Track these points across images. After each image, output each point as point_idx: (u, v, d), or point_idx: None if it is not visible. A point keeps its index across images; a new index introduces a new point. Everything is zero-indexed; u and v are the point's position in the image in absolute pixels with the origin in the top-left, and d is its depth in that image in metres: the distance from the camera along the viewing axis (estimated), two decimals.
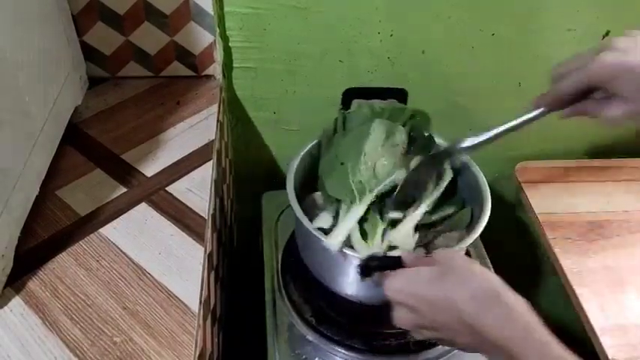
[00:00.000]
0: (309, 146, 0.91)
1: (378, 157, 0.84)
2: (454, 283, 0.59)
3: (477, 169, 0.89)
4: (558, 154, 1.22)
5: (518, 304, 0.57)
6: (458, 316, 0.58)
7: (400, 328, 0.66)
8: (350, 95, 0.97)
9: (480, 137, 0.75)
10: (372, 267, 0.68)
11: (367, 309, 0.87)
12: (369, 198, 0.80)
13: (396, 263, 0.67)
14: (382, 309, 0.86)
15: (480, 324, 0.56)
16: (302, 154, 0.90)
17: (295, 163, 0.88)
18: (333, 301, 0.87)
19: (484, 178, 0.87)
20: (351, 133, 0.89)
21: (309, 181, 0.90)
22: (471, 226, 0.82)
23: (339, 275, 0.83)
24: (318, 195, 0.89)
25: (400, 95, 0.97)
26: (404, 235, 0.79)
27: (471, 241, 0.78)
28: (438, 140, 0.91)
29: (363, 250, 0.76)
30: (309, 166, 0.91)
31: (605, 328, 0.85)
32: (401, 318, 0.63)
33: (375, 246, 0.77)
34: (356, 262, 0.72)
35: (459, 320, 0.58)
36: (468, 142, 0.77)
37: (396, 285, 0.63)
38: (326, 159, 0.88)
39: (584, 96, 0.65)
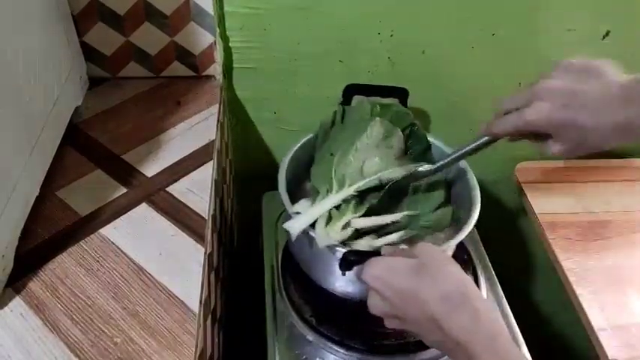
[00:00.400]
0: (303, 141, 0.92)
1: (369, 155, 0.84)
2: (428, 280, 0.60)
3: (469, 171, 0.89)
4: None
5: (486, 310, 0.58)
6: (426, 313, 0.59)
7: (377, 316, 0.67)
8: (351, 92, 0.97)
9: (434, 165, 0.82)
10: (352, 261, 0.69)
11: (366, 308, 0.88)
12: (347, 191, 0.79)
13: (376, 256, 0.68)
14: None
15: (447, 325, 0.57)
16: (295, 148, 0.91)
17: (287, 159, 0.89)
18: (333, 301, 0.87)
19: (475, 180, 0.87)
20: (348, 127, 0.89)
21: (304, 175, 0.91)
22: (459, 226, 0.82)
23: (330, 273, 0.83)
24: (309, 185, 0.90)
25: (401, 94, 0.98)
26: (366, 223, 0.80)
27: (457, 242, 0.78)
28: (437, 144, 0.92)
29: (321, 236, 0.76)
30: (303, 161, 0.91)
31: (605, 328, 0.85)
32: (374, 305, 0.65)
33: (334, 232, 0.76)
34: (339, 255, 0.73)
35: (426, 317, 0.59)
36: (425, 168, 0.82)
37: (373, 271, 0.64)
38: (320, 150, 0.89)
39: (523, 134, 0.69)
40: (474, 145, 0.75)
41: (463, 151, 0.77)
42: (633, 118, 0.60)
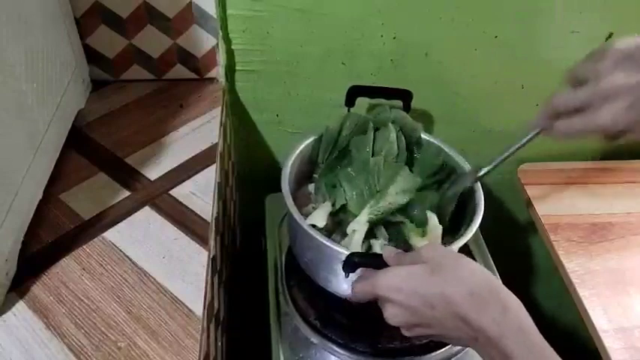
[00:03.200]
0: (305, 143, 0.92)
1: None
2: (451, 279, 0.59)
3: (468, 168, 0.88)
4: (561, 155, 1.22)
5: (515, 304, 0.58)
6: (453, 312, 0.58)
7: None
8: (354, 93, 0.97)
9: (485, 168, 0.81)
10: (356, 263, 0.69)
11: (372, 311, 0.88)
12: (382, 205, 0.81)
13: (379, 259, 0.68)
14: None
15: (477, 321, 0.57)
16: (297, 152, 0.91)
17: (289, 163, 0.88)
18: (337, 304, 0.87)
19: (478, 183, 0.87)
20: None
21: (306, 177, 0.92)
22: (463, 229, 0.82)
23: (334, 276, 0.82)
24: (312, 187, 0.90)
25: (405, 96, 0.98)
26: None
27: (462, 244, 0.78)
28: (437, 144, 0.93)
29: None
30: (305, 163, 0.92)
31: (609, 330, 0.85)
32: (394, 315, 0.63)
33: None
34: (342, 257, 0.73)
35: (454, 316, 0.58)
36: (470, 178, 0.84)
37: (389, 282, 0.63)
38: (334, 161, 0.90)
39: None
40: (523, 141, 0.75)
41: (514, 148, 0.78)
42: None
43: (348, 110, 0.97)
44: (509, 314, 0.56)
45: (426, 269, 0.61)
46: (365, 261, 0.69)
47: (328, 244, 0.76)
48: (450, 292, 0.58)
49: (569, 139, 0.69)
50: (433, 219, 0.82)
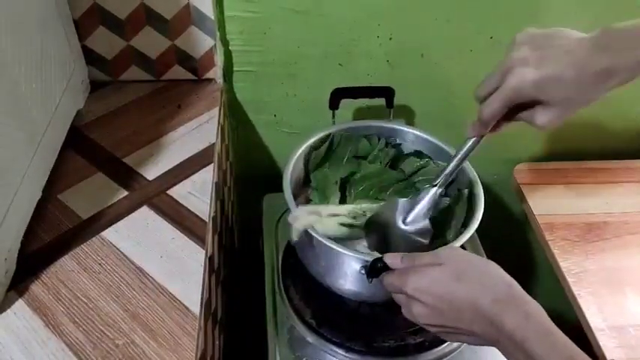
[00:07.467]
0: (308, 143, 0.92)
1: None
2: (475, 285, 0.62)
3: (470, 169, 0.89)
4: (557, 155, 1.22)
5: (536, 308, 0.60)
6: (481, 317, 0.60)
7: (412, 325, 0.67)
8: (338, 95, 0.98)
9: (436, 188, 0.78)
10: (380, 268, 0.70)
11: (367, 310, 0.88)
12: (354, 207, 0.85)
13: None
14: (383, 309, 0.88)
15: (502, 325, 0.58)
16: (297, 154, 0.91)
17: (292, 162, 0.89)
18: (333, 303, 0.88)
19: (477, 178, 0.88)
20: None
21: (307, 180, 0.93)
22: (464, 227, 0.83)
23: (340, 276, 0.83)
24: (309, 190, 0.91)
25: (387, 93, 0.99)
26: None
27: (462, 242, 0.78)
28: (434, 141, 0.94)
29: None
30: (305, 165, 0.93)
31: (604, 329, 0.86)
32: (421, 315, 0.64)
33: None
34: (360, 262, 0.75)
35: (481, 320, 0.60)
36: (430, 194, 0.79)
37: (417, 284, 0.64)
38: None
39: (511, 112, 0.65)
40: (464, 150, 0.74)
41: (457, 159, 0.75)
42: (612, 64, 0.59)
43: (333, 114, 0.99)
44: (531, 318, 0.58)
45: (452, 274, 0.63)
46: (387, 265, 0.69)
47: (348, 252, 0.77)
48: (474, 297, 0.61)
49: (494, 121, 0.66)
50: None
